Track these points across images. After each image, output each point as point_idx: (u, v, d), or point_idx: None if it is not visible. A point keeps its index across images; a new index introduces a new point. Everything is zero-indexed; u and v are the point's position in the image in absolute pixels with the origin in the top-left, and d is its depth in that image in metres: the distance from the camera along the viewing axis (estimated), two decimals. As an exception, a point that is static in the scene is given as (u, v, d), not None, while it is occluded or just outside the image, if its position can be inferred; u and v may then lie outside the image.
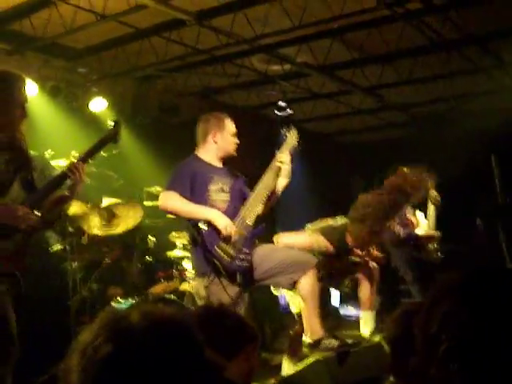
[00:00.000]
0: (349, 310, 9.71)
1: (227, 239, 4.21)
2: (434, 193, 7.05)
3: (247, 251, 4.37)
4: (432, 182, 7.14)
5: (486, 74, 9.39)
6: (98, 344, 1.30)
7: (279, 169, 4.70)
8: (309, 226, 5.59)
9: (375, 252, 6.11)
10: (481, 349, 1.25)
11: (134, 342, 1.30)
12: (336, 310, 9.61)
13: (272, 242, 5.22)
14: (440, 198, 7.08)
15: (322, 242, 5.31)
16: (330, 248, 5.32)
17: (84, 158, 3.73)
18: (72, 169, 3.62)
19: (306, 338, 4.56)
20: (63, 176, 3.64)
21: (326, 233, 5.39)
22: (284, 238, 5.31)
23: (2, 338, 3.33)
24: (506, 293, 1.29)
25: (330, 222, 5.56)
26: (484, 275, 1.36)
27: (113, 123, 3.94)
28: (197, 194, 4.37)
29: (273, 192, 4.71)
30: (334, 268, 5.49)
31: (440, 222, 7.16)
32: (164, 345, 1.31)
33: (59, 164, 6.08)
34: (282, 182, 4.76)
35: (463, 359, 1.27)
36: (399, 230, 6.70)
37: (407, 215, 6.90)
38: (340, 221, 5.54)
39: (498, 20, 7.61)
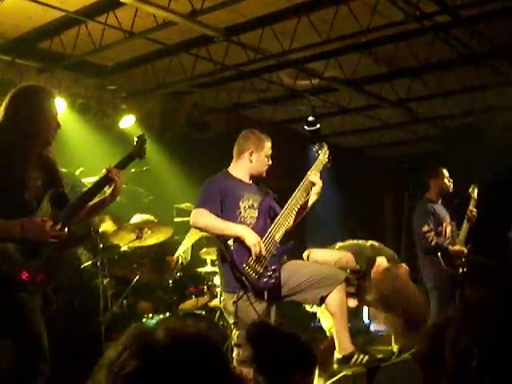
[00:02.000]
0: (379, 326, 9.62)
1: (256, 256, 4.20)
2: (473, 209, 6.98)
3: (275, 268, 4.35)
4: (475, 188, 7.07)
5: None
6: (123, 360, 1.30)
7: (311, 185, 4.69)
8: (338, 244, 5.55)
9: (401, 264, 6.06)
10: None
11: (158, 359, 1.30)
12: (366, 325, 9.53)
13: (301, 258, 5.18)
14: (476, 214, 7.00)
15: (350, 259, 5.26)
16: (357, 268, 5.26)
17: (119, 167, 3.77)
18: (110, 175, 3.65)
19: (336, 354, 4.51)
20: (95, 189, 3.69)
21: (355, 252, 5.33)
22: (313, 253, 5.27)
23: (34, 355, 3.35)
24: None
25: (360, 242, 5.50)
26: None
27: (136, 139, 3.98)
28: (227, 210, 4.38)
29: (302, 208, 4.69)
30: (361, 285, 5.43)
31: (471, 235, 7.07)
32: (188, 361, 1.31)
33: (89, 181, 6.15)
34: (312, 199, 4.74)
35: (496, 374, 1.24)
36: (433, 237, 6.66)
37: (444, 223, 6.85)
38: (370, 245, 5.49)
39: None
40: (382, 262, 5.31)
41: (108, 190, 3.73)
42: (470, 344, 1.28)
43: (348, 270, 5.17)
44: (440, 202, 7.00)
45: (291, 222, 4.58)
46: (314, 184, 4.69)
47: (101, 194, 3.78)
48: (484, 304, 1.33)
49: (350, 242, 5.51)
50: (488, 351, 1.25)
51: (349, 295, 4.79)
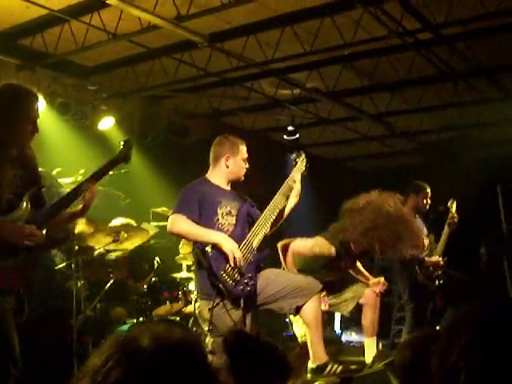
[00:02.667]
0: (351, 337, 9.68)
1: (233, 264, 4.19)
2: (453, 214, 7.05)
3: (252, 275, 4.35)
4: (453, 203, 7.13)
5: (492, 105, 9.44)
6: (108, 368, 1.29)
7: (291, 189, 4.73)
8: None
9: (378, 278, 6.11)
10: (502, 378, 1.25)
11: (144, 367, 1.29)
12: (338, 335, 9.57)
13: (277, 267, 5.20)
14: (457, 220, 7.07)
15: (325, 245, 5.30)
16: (332, 249, 5.28)
17: (96, 177, 3.74)
18: (85, 187, 3.63)
19: (310, 363, 4.53)
20: (75, 194, 3.65)
21: (329, 236, 5.39)
22: (286, 241, 5.33)
23: (4, 356, 3.29)
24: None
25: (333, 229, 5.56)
26: (508, 307, 1.36)
27: (123, 143, 3.95)
28: (205, 217, 4.37)
29: (281, 214, 4.71)
30: (339, 272, 5.47)
31: (446, 249, 7.15)
32: (174, 369, 1.30)
33: (65, 181, 6.09)
34: (292, 203, 4.77)
35: None
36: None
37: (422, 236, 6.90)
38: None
39: (505, 53, 7.67)
40: None
41: (79, 206, 3.71)
42: (458, 359, 1.30)
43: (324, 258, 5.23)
44: (416, 216, 7.05)
45: (269, 229, 4.59)
46: (294, 182, 4.73)
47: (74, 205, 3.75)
48: (472, 320, 1.35)
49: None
50: (475, 366, 1.27)
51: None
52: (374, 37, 7.09)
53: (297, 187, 4.76)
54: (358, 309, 5.96)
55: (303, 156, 5.06)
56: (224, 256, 4.21)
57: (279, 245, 5.36)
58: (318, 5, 6.68)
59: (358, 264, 5.83)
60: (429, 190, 7.00)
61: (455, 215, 7.07)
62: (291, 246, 5.31)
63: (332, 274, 5.37)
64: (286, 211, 4.78)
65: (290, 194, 4.76)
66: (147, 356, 1.30)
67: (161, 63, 8.21)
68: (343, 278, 5.70)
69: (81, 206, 3.70)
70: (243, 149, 4.68)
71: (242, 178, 4.72)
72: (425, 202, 6.96)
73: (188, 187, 4.55)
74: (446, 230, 7.05)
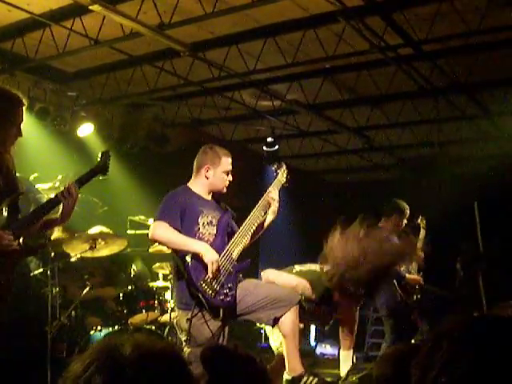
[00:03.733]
0: (325, 349, 9.69)
1: (213, 274, 4.17)
2: (420, 251, 7.09)
3: (231, 286, 4.33)
4: (423, 220, 7.18)
5: (471, 122, 9.55)
6: (89, 375, 1.28)
7: (268, 205, 4.70)
8: (296, 267, 5.53)
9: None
10: None
11: (125, 374, 1.28)
12: (313, 348, 9.58)
13: (255, 276, 5.18)
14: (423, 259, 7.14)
15: (306, 287, 5.26)
16: (313, 297, 5.25)
17: (78, 185, 3.72)
18: (65, 194, 3.59)
19: (286, 375, 4.51)
20: (55, 201, 3.62)
21: (312, 280, 5.33)
22: (271, 274, 5.27)
23: None
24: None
25: (318, 268, 5.48)
26: (491, 322, 1.36)
27: (101, 154, 3.94)
28: (186, 226, 4.34)
29: (259, 227, 4.69)
30: (315, 314, 5.44)
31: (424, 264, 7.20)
32: (155, 377, 1.29)
33: (43, 187, 6.03)
34: (269, 219, 4.75)
35: None
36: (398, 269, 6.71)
37: None
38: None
39: (485, 71, 7.76)
40: None
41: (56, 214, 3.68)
42: (439, 373, 1.30)
43: (303, 297, 5.17)
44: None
45: (248, 240, 4.57)
46: (272, 200, 4.70)
47: (54, 212, 3.72)
48: (453, 335, 1.35)
49: (307, 267, 5.48)
50: (457, 381, 1.27)
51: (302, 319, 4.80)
52: (356, 51, 7.15)
53: (275, 204, 4.73)
54: (335, 322, 5.96)
55: (284, 167, 5.05)
56: (204, 266, 4.18)
57: (263, 276, 5.26)
58: (300, 17, 6.72)
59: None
60: (407, 211, 6.99)
61: (425, 233, 7.14)
62: (275, 279, 5.21)
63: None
64: (265, 225, 4.77)
65: (268, 208, 4.73)
66: (128, 364, 1.29)
67: (142, 71, 8.19)
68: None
69: (59, 213, 3.66)
70: (226, 160, 4.63)
71: (224, 191, 4.67)
72: (402, 223, 6.96)
73: (171, 195, 4.51)
74: (418, 246, 7.10)
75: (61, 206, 3.63)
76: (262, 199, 4.72)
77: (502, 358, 1.26)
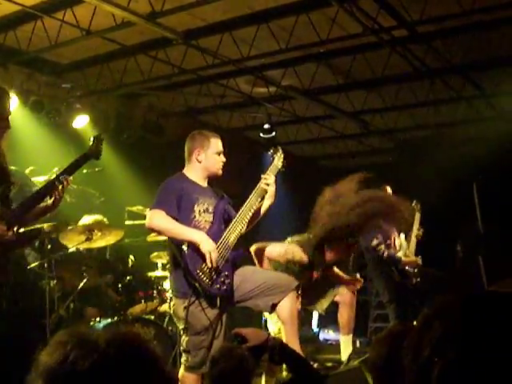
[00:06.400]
0: (328, 335, 9.70)
1: (210, 263, 4.15)
2: (418, 228, 7.10)
3: (228, 274, 4.31)
4: (418, 205, 7.18)
5: (467, 103, 9.50)
6: (70, 364, 1.27)
7: (265, 191, 4.67)
8: (288, 239, 5.61)
9: (354, 275, 6.14)
10: (476, 372, 1.23)
11: (102, 363, 1.28)
12: (315, 334, 9.59)
13: (252, 265, 5.19)
14: (422, 234, 7.15)
15: (297, 252, 5.31)
16: (305, 258, 5.30)
17: (69, 171, 3.71)
18: (56, 183, 3.59)
19: (286, 362, 4.50)
20: (46, 189, 3.61)
21: (302, 242, 5.39)
22: (260, 245, 5.33)
23: None
24: (504, 317, 1.27)
25: (305, 235, 5.55)
26: (481, 299, 1.34)
27: (93, 138, 3.92)
28: (182, 214, 4.31)
29: (256, 213, 4.67)
30: (310, 281, 5.47)
31: (422, 247, 7.19)
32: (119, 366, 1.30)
33: (39, 180, 6.01)
34: (267, 204, 4.72)
35: (458, 382, 1.24)
36: (384, 250, 6.69)
37: (392, 237, 6.91)
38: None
39: (481, 51, 7.72)
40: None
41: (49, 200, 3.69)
42: (431, 354, 1.28)
43: (296, 266, 5.24)
44: None
45: (245, 227, 4.55)
46: (267, 186, 4.67)
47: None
48: (444, 314, 1.33)
49: (297, 236, 5.56)
50: (449, 361, 1.25)
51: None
52: (350, 34, 7.10)
53: (271, 189, 4.70)
54: (335, 307, 5.97)
55: (280, 152, 5.02)
56: (200, 255, 4.16)
57: (252, 249, 5.34)
58: (293, 2, 6.68)
59: (335, 269, 5.83)
60: (388, 188, 6.94)
61: (419, 232, 7.15)
62: (267, 252, 5.29)
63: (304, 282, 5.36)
64: (262, 211, 4.73)
65: (265, 194, 4.71)
66: (102, 353, 1.29)
67: (135, 61, 8.15)
68: (320, 287, 5.72)
69: (51, 200, 3.66)
70: (216, 142, 4.58)
71: (220, 173, 4.61)
72: None
73: (167, 182, 4.48)
74: (414, 229, 7.10)
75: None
76: (257, 186, 4.69)
77: (495, 336, 1.24)
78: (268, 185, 4.67)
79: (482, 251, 8.14)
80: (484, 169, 9.14)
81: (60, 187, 3.62)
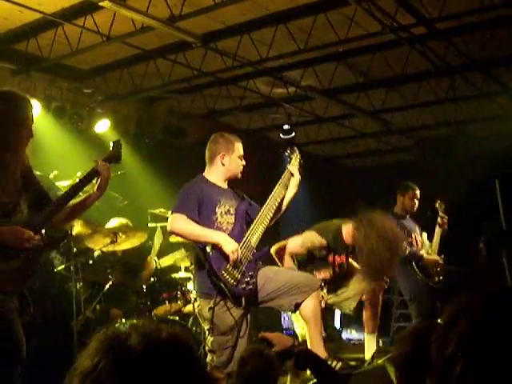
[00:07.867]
0: (351, 334, 9.67)
1: (234, 263, 4.19)
2: (443, 215, 7.07)
3: (252, 274, 4.35)
4: (442, 204, 7.15)
5: (489, 100, 9.43)
6: (98, 372, 1.27)
7: (289, 180, 4.73)
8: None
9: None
10: (498, 369, 1.24)
11: (134, 369, 1.27)
12: (338, 333, 9.57)
13: (275, 264, 5.22)
14: (447, 220, 7.10)
15: (314, 238, 5.34)
16: (324, 242, 5.32)
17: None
18: (97, 167, 3.62)
19: (310, 360, 4.52)
20: (88, 178, 3.65)
21: (319, 228, 5.42)
22: (280, 245, 5.39)
23: (13, 356, 3.27)
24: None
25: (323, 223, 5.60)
26: (505, 297, 1.36)
27: (112, 144, 3.95)
28: (204, 216, 4.35)
29: (280, 205, 4.70)
30: (334, 267, 5.50)
31: (444, 245, 7.15)
32: (163, 368, 1.29)
33: (63, 185, 6.08)
34: (290, 194, 4.76)
35: (480, 379, 1.26)
36: (406, 247, 6.67)
37: (414, 235, 6.89)
38: (335, 222, 5.59)
39: (501, 46, 7.65)
40: (347, 225, 5.39)
41: (93, 188, 3.70)
42: (456, 349, 1.29)
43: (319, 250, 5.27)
44: (408, 216, 7.05)
45: (267, 222, 4.57)
46: (293, 173, 4.72)
47: (83, 193, 3.75)
48: (469, 311, 1.35)
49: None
50: (472, 357, 1.27)
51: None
52: (368, 33, 7.09)
53: (296, 177, 4.78)
54: (359, 306, 5.96)
55: (297, 152, 5.06)
56: (224, 256, 4.20)
57: (273, 250, 5.36)
58: (311, 2, 6.69)
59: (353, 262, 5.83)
60: (417, 191, 7.00)
61: (444, 216, 7.09)
62: (287, 248, 5.33)
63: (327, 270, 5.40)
64: (285, 202, 4.77)
65: (289, 182, 4.76)
66: (136, 358, 1.28)
67: (155, 64, 8.21)
68: (343, 276, 5.72)
69: (96, 187, 3.67)
70: (238, 146, 4.66)
71: (240, 176, 4.69)
72: (411, 202, 6.96)
73: (187, 186, 4.53)
74: (437, 230, 7.07)
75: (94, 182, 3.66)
76: (283, 175, 4.78)
77: None
78: (293, 175, 4.74)
79: (506, 248, 8.08)
80: (506, 165, 9.07)
81: (104, 170, 3.64)
